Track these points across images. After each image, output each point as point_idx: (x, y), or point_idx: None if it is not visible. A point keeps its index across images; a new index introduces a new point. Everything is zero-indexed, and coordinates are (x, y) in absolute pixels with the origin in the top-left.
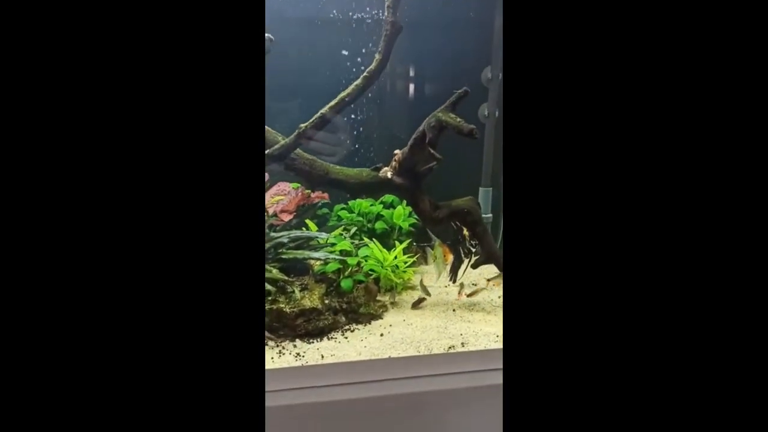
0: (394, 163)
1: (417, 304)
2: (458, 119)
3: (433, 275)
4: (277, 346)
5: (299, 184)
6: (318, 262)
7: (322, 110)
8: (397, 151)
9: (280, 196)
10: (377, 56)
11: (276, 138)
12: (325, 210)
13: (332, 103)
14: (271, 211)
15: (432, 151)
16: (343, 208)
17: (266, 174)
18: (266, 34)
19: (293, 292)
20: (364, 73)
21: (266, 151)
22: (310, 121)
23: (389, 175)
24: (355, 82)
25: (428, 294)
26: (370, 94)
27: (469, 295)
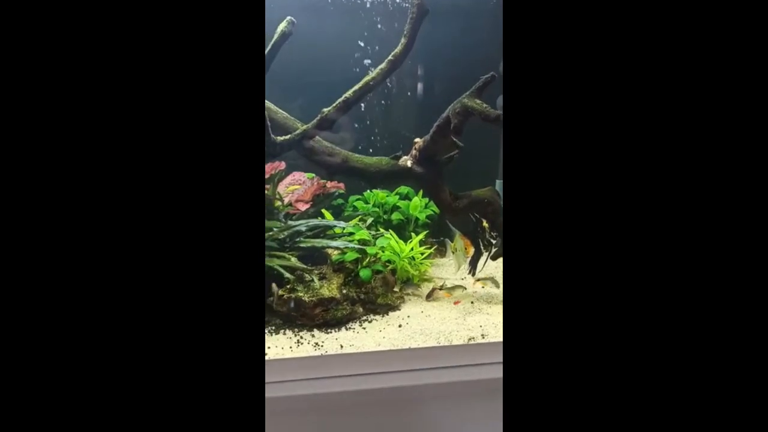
0: (414, 152)
1: (431, 295)
2: (484, 105)
3: (448, 268)
4: (295, 335)
5: (314, 174)
6: (336, 252)
7: (346, 94)
8: (417, 139)
9: (295, 186)
10: (403, 40)
11: (294, 124)
12: (340, 200)
13: (356, 87)
14: (286, 200)
15: (455, 139)
16: (358, 199)
17: (283, 162)
18: (288, 17)
19: (312, 280)
20: (389, 57)
21: (286, 137)
22: (334, 105)
23: (409, 163)
24: (380, 66)
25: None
26: (389, 83)
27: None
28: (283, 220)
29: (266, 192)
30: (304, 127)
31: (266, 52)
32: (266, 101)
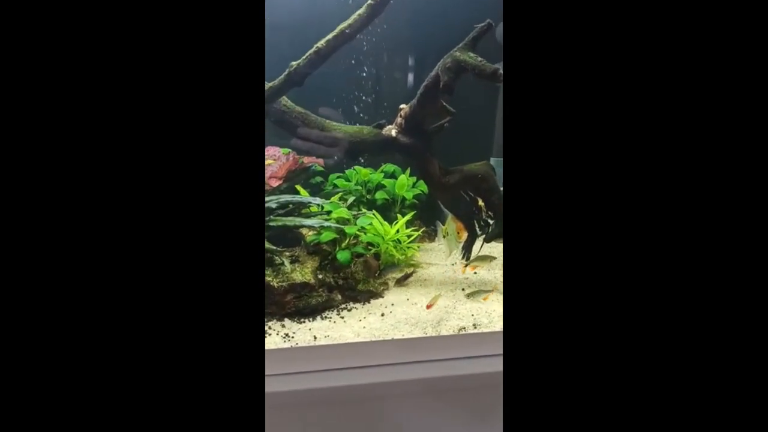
0: (399, 120)
1: (402, 281)
2: (479, 59)
3: (437, 253)
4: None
5: (290, 150)
6: (311, 232)
7: (318, 44)
8: (402, 106)
9: (269, 161)
10: None
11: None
12: (319, 179)
13: (329, 36)
14: None
15: (444, 104)
16: (339, 177)
17: None
18: None
19: (282, 263)
20: (368, 1)
21: None
22: (304, 57)
23: (394, 133)
24: (358, 12)
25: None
26: (367, 46)
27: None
28: None
29: None
30: (271, 84)
31: None
32: None
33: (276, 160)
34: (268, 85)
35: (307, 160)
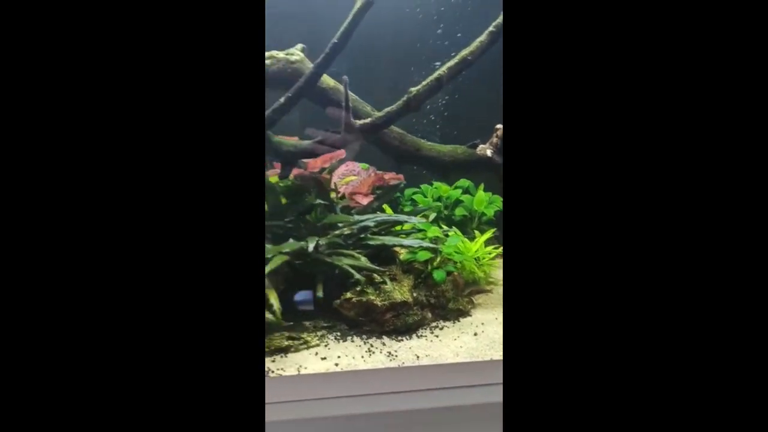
0: (494, 139)
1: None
2: None
3: None
4: (365, 343)
5: (368, 165)
6: (404, 250)
7: (439, 71)
8: (499, 126)
9: (351, 177)
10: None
11: (364, 108)
12: (396, 193)
13: (451, 63)
14: (341, 192)
15: None
16: (416, 192)
17: (343, 150)
18: None
19: (384, 282)
20: (490, 28)
21: (365, 121)
22: (423, 83)
23: (488, 152)
24: (479, 39)
25: None
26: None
27: None
28: (340, 212)
29: (324, 183)
30: (388, 109)
31: (346, 24)
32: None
33: (357, 175)
34: (384, 110)
35: (388, 176)
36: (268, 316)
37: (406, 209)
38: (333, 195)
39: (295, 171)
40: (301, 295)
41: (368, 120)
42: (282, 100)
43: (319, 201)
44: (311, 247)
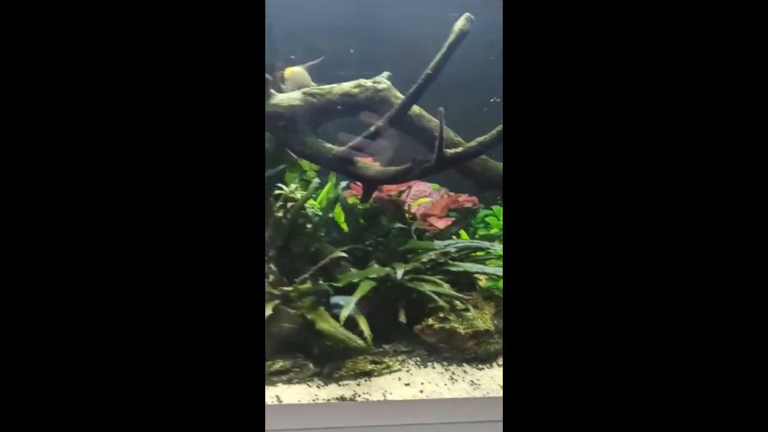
0: None
1: None
2: None
3: None
4: (446, 370)
5: (439, 185)
6: (485, 277)
7: None
8: None
9: (423, 198)
10: None
11: (455, 139)
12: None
13: None
14: (412, 213)
15: None
16: (488, 215)
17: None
18: (467, 14)
19: (467, 309)
20: None
21: (457, 150)
22: None
23: None
24: None
25: None
26: None
27: None
28: (428, 237)
29: (401, 206)
30: (480, 139)
31: (440, 55)
32: (421, 110)
33: (428, 196)
34: (476, 139)
35: (462, 198)
36: (359, 341)
37: (480, 232)
38: (407, 215)
39: (375, 194)
40: (335, 299)
41: (460, 149)
42: (372, 129)
43: (398, 225)
44: (399, 274)
